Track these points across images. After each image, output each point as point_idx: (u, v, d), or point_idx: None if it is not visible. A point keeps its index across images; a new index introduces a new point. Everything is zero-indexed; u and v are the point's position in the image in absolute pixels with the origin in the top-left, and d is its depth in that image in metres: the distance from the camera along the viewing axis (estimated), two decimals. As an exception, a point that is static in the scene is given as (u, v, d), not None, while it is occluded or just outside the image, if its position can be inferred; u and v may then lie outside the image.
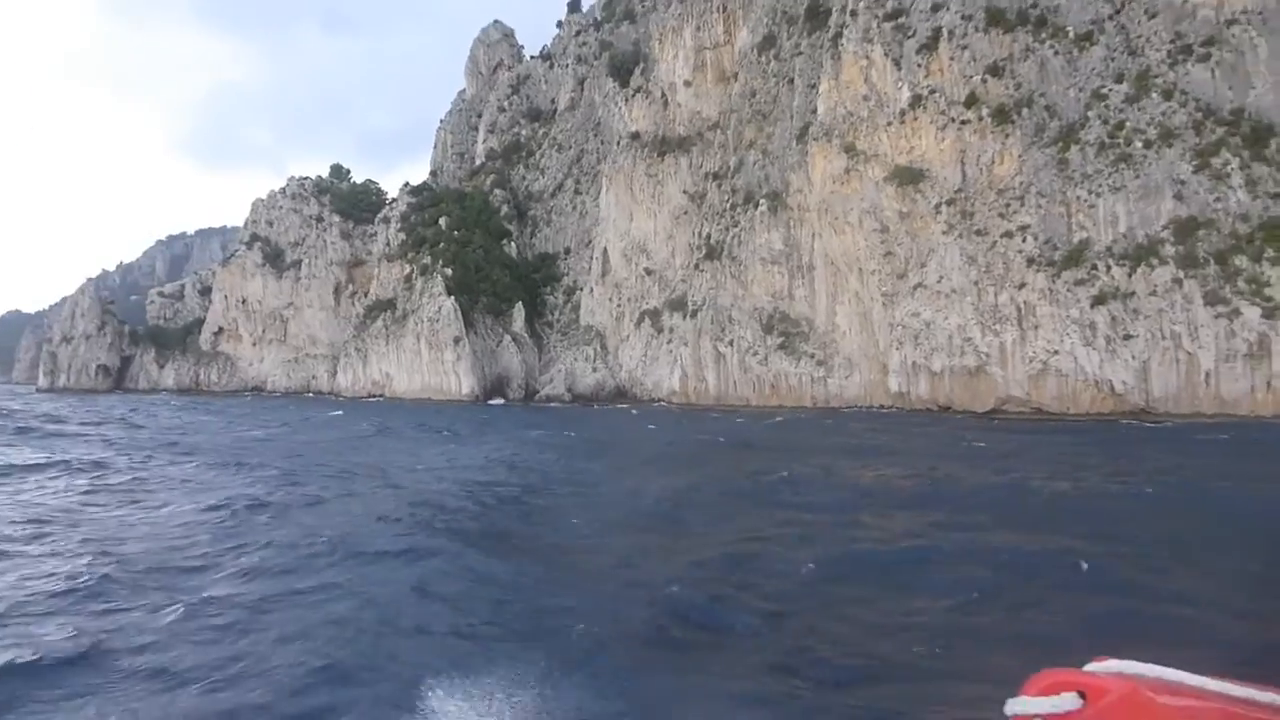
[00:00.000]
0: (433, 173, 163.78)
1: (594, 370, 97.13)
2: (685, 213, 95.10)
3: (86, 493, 21.62)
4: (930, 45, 70.76)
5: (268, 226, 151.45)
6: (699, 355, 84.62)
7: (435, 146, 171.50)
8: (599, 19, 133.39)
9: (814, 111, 79.31)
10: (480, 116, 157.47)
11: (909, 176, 69.66)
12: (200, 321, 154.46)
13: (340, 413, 67.22)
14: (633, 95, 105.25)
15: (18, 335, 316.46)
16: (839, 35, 76.34)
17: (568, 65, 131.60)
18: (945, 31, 70.10)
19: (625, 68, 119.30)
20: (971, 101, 68.05)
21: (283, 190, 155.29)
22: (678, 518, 18.63)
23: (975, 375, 64.57)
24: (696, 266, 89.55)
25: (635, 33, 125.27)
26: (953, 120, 68.45)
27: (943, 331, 65.87)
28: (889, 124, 71.73)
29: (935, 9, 71.68)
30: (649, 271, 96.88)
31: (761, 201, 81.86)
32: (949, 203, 67.50)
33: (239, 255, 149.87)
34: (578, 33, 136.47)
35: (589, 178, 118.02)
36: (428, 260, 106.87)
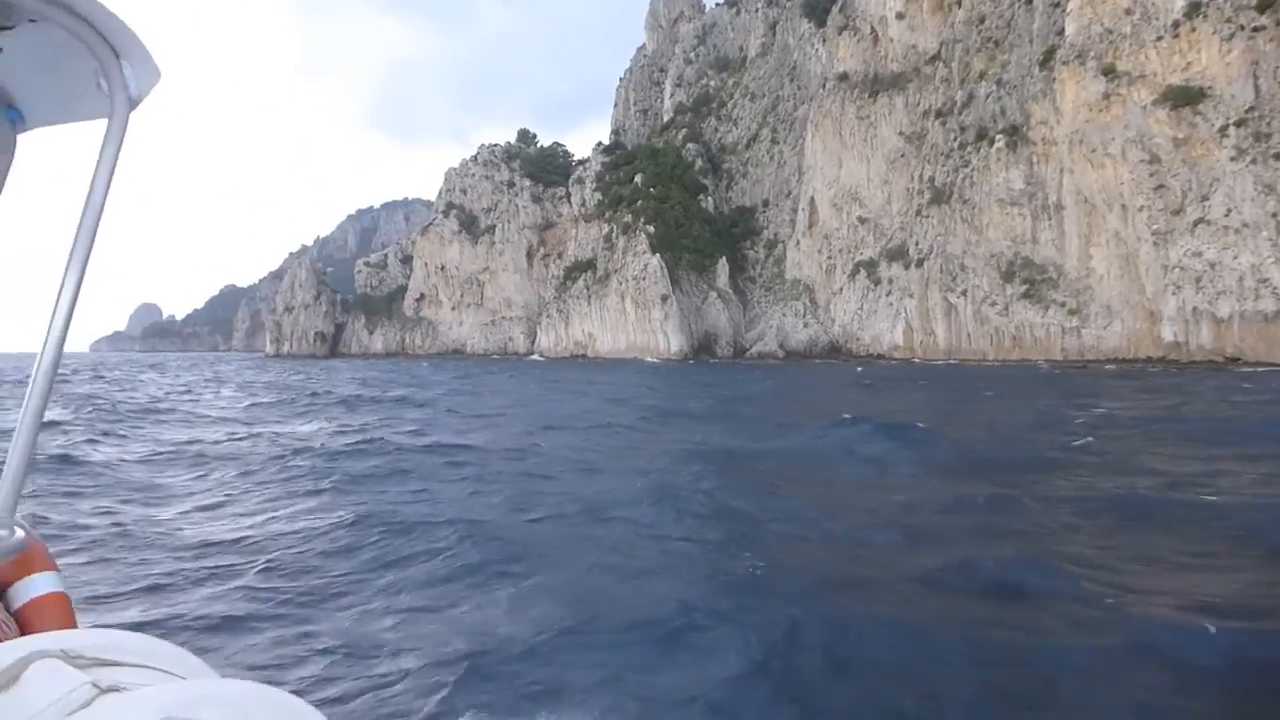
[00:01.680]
0: (614, 132, 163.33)
1: (805, 326, 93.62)
2: (902, 155, 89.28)
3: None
4: (1211, -55, 61.99)
5: (461, 195, 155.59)
6: (926, 307, 79.52)
7: (615, 105, 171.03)
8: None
9: (1060, 33, 71.84)
10: (664, 71, 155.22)
11: (1185, 97, 61.67)
12: (403, 289, 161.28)
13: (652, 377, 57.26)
14: (838, 34, 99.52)
15: (233, 308, 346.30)
16: (1092, -56, 68.39)
17: (757, 10, 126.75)
18: (1230, -73, 61.14)
19: (821, 6, 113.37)
20: (1267, 5, 59.13)
21: (474, 158, 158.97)
22: None
23: (1273, 321, 56.69)
24: (919, 213, 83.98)
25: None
26: (1242, 28, 59.82)
27: (1232, 272, 58.17)
28: (1158, 39, 63.72)
29: (1215, -98, 62.65)
30: (862, 220, 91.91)
31: (998, 137, 75.28)
32: (1238, 124, 59.22)
33: (436, 224, 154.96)
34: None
35: (786, 126, 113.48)
36: (628, 219, 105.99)
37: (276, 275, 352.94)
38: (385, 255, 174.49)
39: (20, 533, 1.63)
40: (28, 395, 1.66)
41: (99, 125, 1.82)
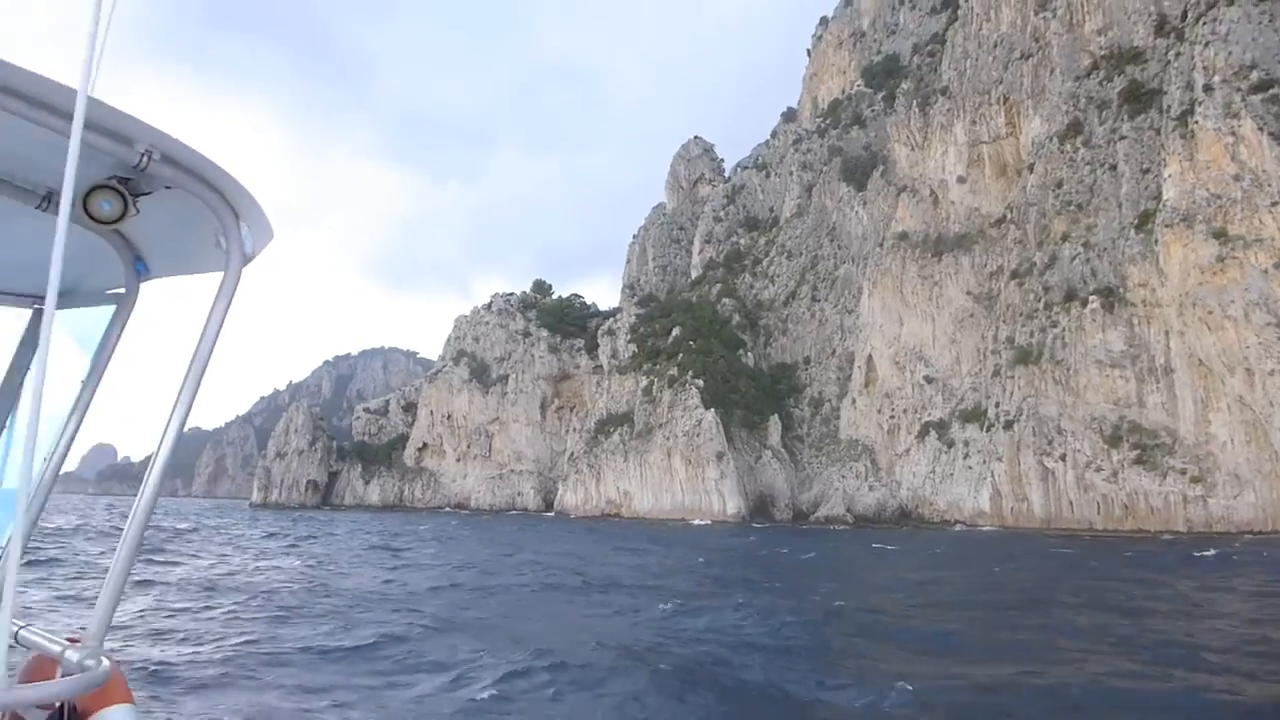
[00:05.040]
0: (629, 286, 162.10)
1: (870, 489, 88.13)
2: (971, 315, 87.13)
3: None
4: (1320, 115, 62.22)
5: (473, 343, 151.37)
6: (1019, 471, 74.75)
7: (628, 261, 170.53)
8: (822, 126, 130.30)
9: (1155, 198, 71.20)
10: (683, 229, 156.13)
11: (1310, 262, 60.05)
12: (404, 438, 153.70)
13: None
14: (896, 195, 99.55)
15: (195, 451, 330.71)
16: (1188, 113, 68.68)
17: (792, 173, 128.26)
18: (1339, 99, 61.58)
19: (862, 171, 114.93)
20: (1387, 174, 58.67)
21: (487, 306, 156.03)
22: None
23: None
24: (996, 373, 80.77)
25: (866, 136, 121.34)
26: (1363, 196, 59.04)
27: (1390, 442, 54.64)
28: (1273, 204, 62.69)
29: (1318, 76, 63.48)
30: (929, 379, 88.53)
31: (1091, 299, 73.14)
32: (1373, 289, 57.37)
33: (445, 371, 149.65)
34: (796, 141, 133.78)
35: (827, 284, 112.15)
36: (674, 371, 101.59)
37: (245, 419, 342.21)
38: (386, 402, 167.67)
39: (107, 663, 1.74)
40: (126, 530, 1.84)
41: (214, 278, 2.06)
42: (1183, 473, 65.21)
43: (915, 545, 53.34)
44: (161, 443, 1.81)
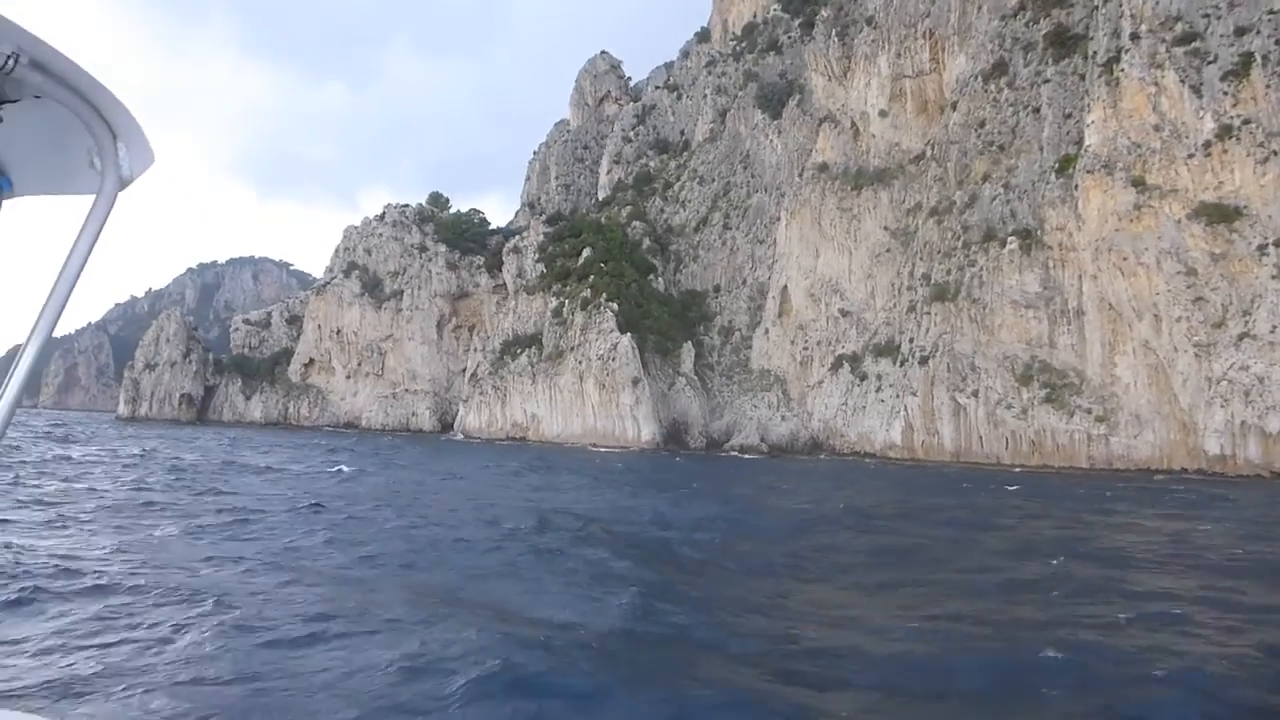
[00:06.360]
0: (529, 204, 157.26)
1: (783, 419, 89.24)
2: (888, 250, 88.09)
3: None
4: (1239, 72, 64.31)
5: (365, 255, 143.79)
6: (932, 406, 76.86)
7: (528, 178, 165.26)
8: (737, 50, 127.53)
9: (1077, 143, 72.79)
10: (587, 149, 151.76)
11: (1220, 214, 62.78)
12: (288, 352, 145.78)
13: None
14: (818, 125, 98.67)
15: (43, 360, 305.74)
16: (1114, 60, 69.95)
17: (705, 96, 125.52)
18: (1258, 57, 63.72)
19: (777, 99, 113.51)
20: (1297, 133, 61.47)
21: (380, 217, 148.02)
22: None
23: (1323, 438, 57.12)
24: (911, 308, 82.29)
25: (782, 64, 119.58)
26: (1275, 153, 61.75)
27: (1279, 388, 58.50)
28: (1190, 156, 65.00)
29: (1240, 33, 65.39)
30: (844, 313, 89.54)
31: (1010, 239, 74.82)
32: (1278, 244, 60.54)
33: (335, 283, 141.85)
34: (709, 63, 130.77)
35: (739, 213, 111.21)
36: (586, 293, 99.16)
37: (99, 327, 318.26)
38: (269, 313, 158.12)
39: None
40: None
41: (85, 200, 1.94)
42: (1088, 412, 68.42)
43: (903, 476, 53.79)
44: (15, 367, 1.76)
